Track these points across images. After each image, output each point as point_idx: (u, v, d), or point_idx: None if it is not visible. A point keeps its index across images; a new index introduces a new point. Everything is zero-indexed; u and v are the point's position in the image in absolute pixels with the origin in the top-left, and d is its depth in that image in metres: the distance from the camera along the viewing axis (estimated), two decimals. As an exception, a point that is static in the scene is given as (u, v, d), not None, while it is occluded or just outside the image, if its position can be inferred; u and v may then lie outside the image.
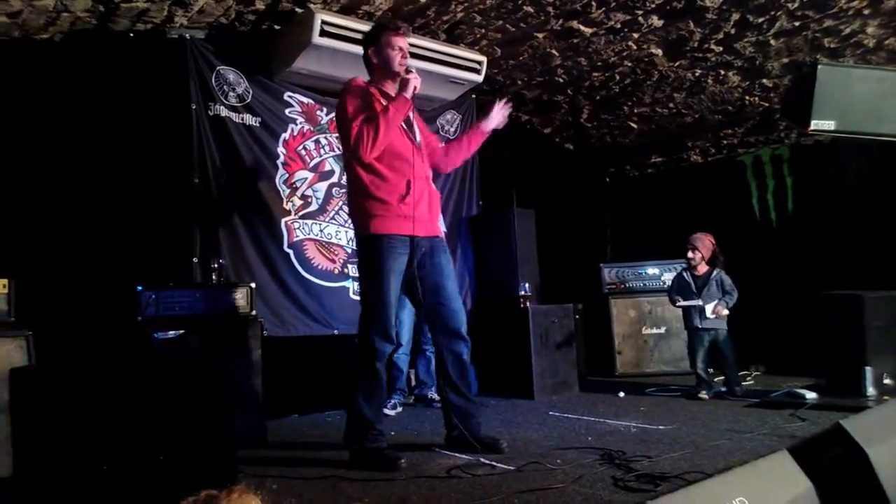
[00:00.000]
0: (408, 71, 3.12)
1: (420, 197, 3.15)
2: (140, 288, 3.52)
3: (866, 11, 4.19)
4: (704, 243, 4.90)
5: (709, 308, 4.75)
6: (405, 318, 4.62)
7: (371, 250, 3.10)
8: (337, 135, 4.87)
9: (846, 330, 4.29)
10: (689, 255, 4.91)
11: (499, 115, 3.47)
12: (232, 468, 2.16)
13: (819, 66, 4.22)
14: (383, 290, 3.07)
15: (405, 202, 3.09)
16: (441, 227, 3.32)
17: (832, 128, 4.35)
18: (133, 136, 4.17)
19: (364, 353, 3.12)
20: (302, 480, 2.80)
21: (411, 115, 3.27)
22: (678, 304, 4.86)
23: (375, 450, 3.06)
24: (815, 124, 4.29)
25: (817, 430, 3.27)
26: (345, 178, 4.80)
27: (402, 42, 3.17)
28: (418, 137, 3.30)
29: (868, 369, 4.20)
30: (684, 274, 4.99)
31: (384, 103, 3.09)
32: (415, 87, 3.07)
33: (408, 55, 3.20)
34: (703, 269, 4.91)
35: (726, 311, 4.73)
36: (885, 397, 4.12)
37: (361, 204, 3.13)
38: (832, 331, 4.43)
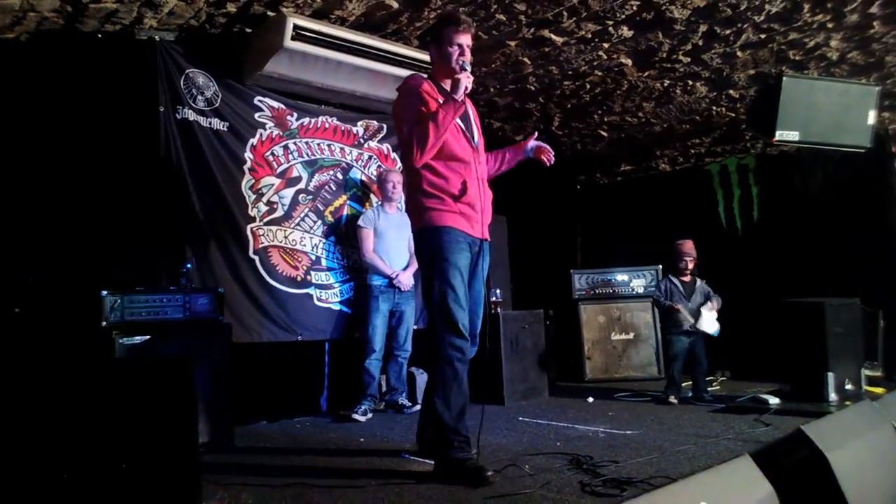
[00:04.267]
0: (461, 69, 2.98)
1: (475, 198, 3.06)
2: (104, 293, 3.46)
3: (830, 25, 4.29)
4: (693, 248, 5.00)
5: (709, 309, 4.87)
6: (378, 323, 4.61)
7: (431, 243, 2.99)
8: (307, 140, 4.88)
9: (808, 336, 4.38)
10: (689, 266, 4.98)
11: (543, 148, 3.41)
12: (195, 475, 2.13)
13: (784, 78, 4.33)
14: (449, 284, 2.93)
15: (463, 201, 3.02)
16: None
17: (796, 138, 4.46)
18: (99, 139, 4.10)
19: (439, 354, 2.94)
20: (268, 488, 2.77)
21: (471, 113, 3.21)
22: (680, 311, 4.87)
23: (460, 461, 2.85)
24: (779, 135, 4.40)
25: (780, 435, 3.34)
26: (312, 183, 4.86)
27: (463, 38, 3.06)
28: (476, 137, 3.19)
29: (830, 375, 4.30)
30: (673, 280, 5.05)
31: (439, 103, 2.98)
32: (466, 88, 2.90)
33: (467, 52, 3.06)
34: (688, 276, 5.01)
35: (717, 306, 4.89)
36: (847, 402, 4.20)
37: (417, 200, 3.05)
38: (795, 337, 4.53)
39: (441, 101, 2.98)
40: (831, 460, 2.18)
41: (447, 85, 3.04)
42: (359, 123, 5.21)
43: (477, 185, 3.09)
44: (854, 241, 5.58)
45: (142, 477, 1.96)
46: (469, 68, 2.99)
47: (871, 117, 4.54)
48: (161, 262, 4.00)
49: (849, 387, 4.44)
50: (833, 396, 4.29)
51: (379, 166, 5.26)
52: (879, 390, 4.59)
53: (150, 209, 4.09)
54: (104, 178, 4.09)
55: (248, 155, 4.54)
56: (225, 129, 4.44)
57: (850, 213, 5.67)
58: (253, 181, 4.54)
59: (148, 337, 3.49)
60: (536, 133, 3.43)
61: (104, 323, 3.43)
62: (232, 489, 2.75)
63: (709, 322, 4.83)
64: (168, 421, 2.07)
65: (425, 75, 3.23)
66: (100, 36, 4.10)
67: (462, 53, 3.04)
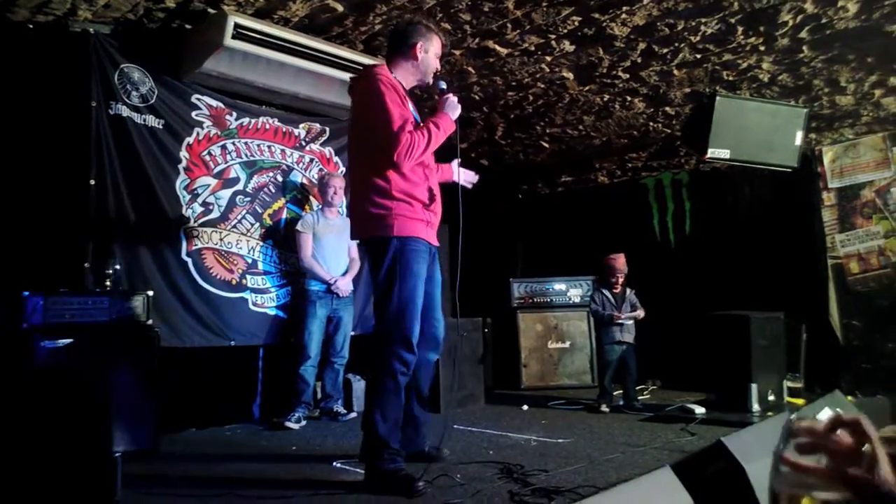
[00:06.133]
0: (442, 90, 3.10)
1: (439, 206, 3.11)
2: (26, 293, 3.32)
3: (762, 48, 4.45)
4: (623, 263, 5.14)
5: (637, 315, 5.06)
6: (314, 329, 4.56)
7: (395, 253, 2.91)
8: (246, 141, 4.78)
9: (734, 348, 4.53)
10: (620, 280, 5.13)
11: (467, 174, 3.55)
12: (111, 484, 2.06)
13: (717, 98, 4.47)
14: (409, 295, 2.90)
15: (429, 209, 3.01)
16: None
17: (727, 156, 4.62)
18: (27, 133, 3.95)
19: (385, 365, 2.88)
20: (193, 498, 2.71)
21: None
22: (621, 319, 5.00)
23: (391, 472, 2.82)
24: (711, 152, 4.55)
25: (704, 445, 3.45)
26: (251, 184, 4.76)
27: (441, 52, 3.16)
28: None
29: (753, 386, 4.45)
30: (604, 291, 5.17)
31: (412, 110, 3.05)
32: (460, 110, 3.08)
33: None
34: (619, 287, 5.14)
35: (642, 315, 5.06)
36: (769, 413, 4.37)
37: (383, 204, 2.92)
38: (721, 348, 4.67)
39: (405, 101, 3.00)
40: (749, 471, 2.26)
41: (409, 84, 3.11)
42: (301, 125, 5.15)
43: (439, 192, 3.11)
44: (780, 256, 5.80)
45: (55, 485, 1.88)
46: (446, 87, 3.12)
47: (799, 138, 4.73)
48: (88, 263, 3.86)
49: (771, 398, 4.61)
50: (756, 407, 4.45)
51: (320, 169, 5.21)
52: (800, 401, 4.78)
53: (77, 207, 3.95)
54: (30, 172, 3.93)
55: (183, 154, 4.42)
56: (160, 126, 4.32)
57: (776, 229, 5.90)
58: (188, 181, 4.43)
59: (71, 340, 3.36)
60: (458, 161, 3.42)
61: (24, 325, 3.29)
62: (155, 499, 2.68)
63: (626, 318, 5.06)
64: (83, 429, 1.99)
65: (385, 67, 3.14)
66: (31, 26, 3.95)
67: (438, 67, 3.14)
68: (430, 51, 3.08)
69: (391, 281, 2.92)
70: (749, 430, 2.66)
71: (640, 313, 5.05)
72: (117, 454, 2.32)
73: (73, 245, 3.90)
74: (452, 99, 3.05)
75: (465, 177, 3.57)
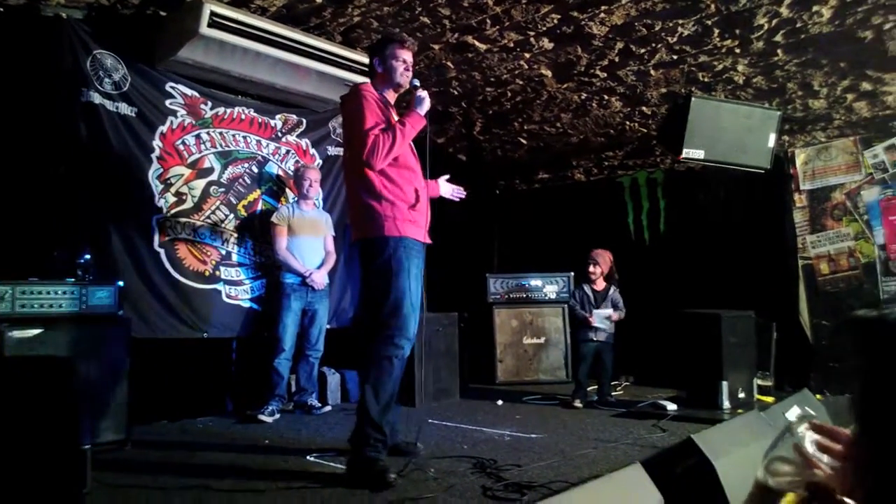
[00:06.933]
0: (414, 87, 3.24)
1: (426, 206, 3.25)
2: (-7, 282, 3.26)
3: (737, 50, 4.51)
4: (605, 259, 5.17)
5: (610, 314, 5.08)
6: (289, 321, 4.53)
7: (389, 252, 3.04)
8: (221, 130, 4.73)
9: (705, 346, 4.58)
10: (591, 269, 5.16)
11: (455, 189, 3.76)
12: (80, 476, 2.03)
13: (693, 99, 4.52)
14: (408, 292, 3.03)
15: (416, 209, 3.14)
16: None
17: (702, 156, 4.67)
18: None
19: (382, 351, 2.99)
20: (163, 490, 2.68)
21: None
22: (593, 322, 5.04)
23: (369, 460, 2.86)
24: (686, 152, 4.59)
25: (674, 441, 3.49)
26: (226, 175, 4.71)
27: (407, 55, 3.25)
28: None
29: (724, 383, 4.51)
30: (585, 288, 5.22)
31: (397, 118, 3.18)
32: (429, 105, 3.19)
33: (411, 68, 3.28)
34: (601, 284, 5.19)
35: (617, 317, 5.10)
36: (739, 410, 4.42)
37: (371, 206, 3.08)
38: (693, 346, 4.71)
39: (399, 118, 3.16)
40: (718, 468, 2.30)
41: (389, 97, 3.28)
42: (277, 116, 5.10)
43: (425, 193, 3.26)
44: (751, 256, 5.87)
45: (17, 479, 1.85)
46: (419, 84, 3.27)
47: (772, 140, 4.79)
48: (58, 252, 3.78)
49: (741, 395, 4.66)
50: (726, 404, 4.50)
51: (296, 161, 5.16)
52: (769, 399, 4.85)
53: (47, 195, 3.87)
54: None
55: (156, 143, 4.35)
56: (133, 114, 4.24)
57: (748, 229, 5.97)
58: (161, 170, 4.36)
59: (41, 330, 3.31)
60: (446, 177, 3.74)
61: (-9, 315, 3.23)
62: (125, 491, 2.65)
63: (599, 319, 5.06)
64: (53, 420, 1.96)
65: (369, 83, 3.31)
66: (1, 10, 3.86)
67: (407, 69, 3.24)
68: (388, 59, 3.23)
69: (386, 278, 3.04)
70: (719, 428, 2.70)
71: (616, 315, 5.08)
72: (87, 446, 2.29)
73: (42, 233, 3.83)
74: (421, 94, 3.21)
75: (452, 191, 3.76)
